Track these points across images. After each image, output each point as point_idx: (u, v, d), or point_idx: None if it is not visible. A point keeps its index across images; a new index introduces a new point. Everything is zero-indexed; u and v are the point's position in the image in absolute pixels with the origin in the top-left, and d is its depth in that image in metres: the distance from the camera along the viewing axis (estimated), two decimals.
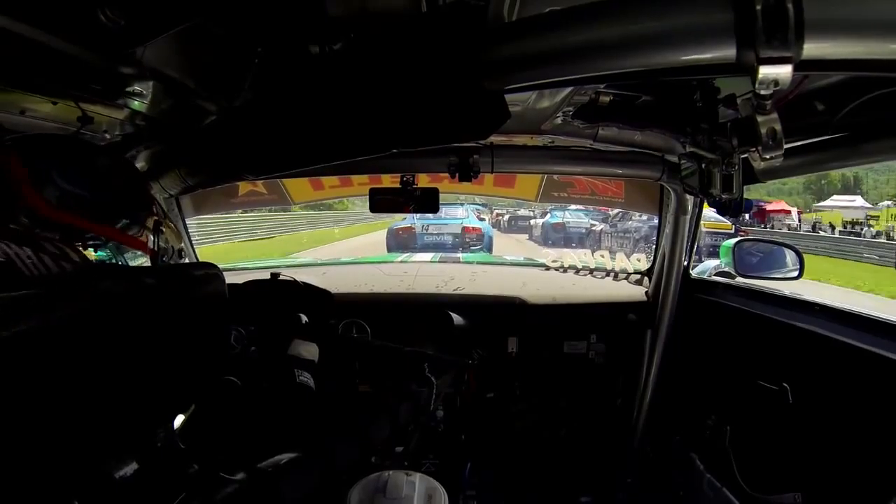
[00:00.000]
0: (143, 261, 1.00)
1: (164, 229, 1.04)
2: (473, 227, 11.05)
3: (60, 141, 1.01)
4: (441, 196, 1.94)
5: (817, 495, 1.41)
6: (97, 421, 0.71)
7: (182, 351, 0.86)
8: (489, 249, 10.68)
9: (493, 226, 19.98)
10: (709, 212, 2.38)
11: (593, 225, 14.94)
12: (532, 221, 17.67)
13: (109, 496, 0.74)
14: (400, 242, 10.61)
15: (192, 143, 1.42)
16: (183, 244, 1.18)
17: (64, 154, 0.92)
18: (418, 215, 9.95)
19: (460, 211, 11.48)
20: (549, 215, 15.83)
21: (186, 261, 2.11)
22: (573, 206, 13.67)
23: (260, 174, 1.76)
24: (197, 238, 2.49)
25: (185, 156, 1.50)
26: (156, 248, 1.02)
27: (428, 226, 10.79)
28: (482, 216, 13.66)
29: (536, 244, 15.29)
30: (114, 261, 0.92)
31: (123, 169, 1.09)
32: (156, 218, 1.03)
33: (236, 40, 1.06)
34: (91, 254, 0.90)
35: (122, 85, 1.06)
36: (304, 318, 1.84)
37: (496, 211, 21.76)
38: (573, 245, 13.15)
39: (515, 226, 20.15)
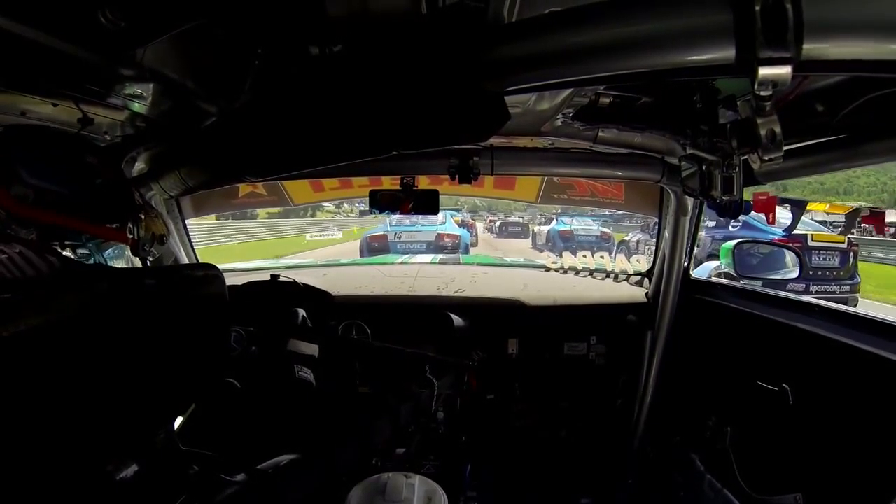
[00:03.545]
0: (125, 259, 1.00)
1: (142, 216, 1.04)
2: (450, 234, 10.82)
3: (30, 135, 1.00)
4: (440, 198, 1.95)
5: (818, 496, 1.40)
6: (98, 422, 0.71)
7: (183, 352, 0.86)
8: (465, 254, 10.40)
9: (487, 230, 20.10)
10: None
11: (604, 233, 13.79)
12: (537, 228, 16.57)
13: (110, 497, 0.74)
14: (373, 251, 10.35)
15: (192, 144, 1.42)
16: (166, 232, 1.17)
17: (32, 148, 0.91)
18: (394, 221, 10.51)
19: (438, 217, 11.06)
20: (554, 221, 14.84)
21: (182, 254, 2.10)
22: (577, 210, 12.91)
23: (260, 176, 1.76)
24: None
25: (185, 157, 1.50)
26: (136, 238, 1.02)
27: (400, 233, 10.58)
28: (466, 222, 13.20)
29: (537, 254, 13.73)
30: (93, 260, 0.92)
31: (101, 163, 1.08)
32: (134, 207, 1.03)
33: (236, 42, 1.06)
34: (69, 254, 0.89)
35: (123, 86, 1.06)
36: (302, 313, 1.84)
37: (489, 217, 21.68)
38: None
39: (506, 231, 19.68)
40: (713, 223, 7.28)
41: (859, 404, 1.29)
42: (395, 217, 10.20)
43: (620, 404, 2.33)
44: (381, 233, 10.69)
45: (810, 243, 6.46)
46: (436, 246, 10.48)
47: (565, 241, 13.27)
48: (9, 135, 0.93)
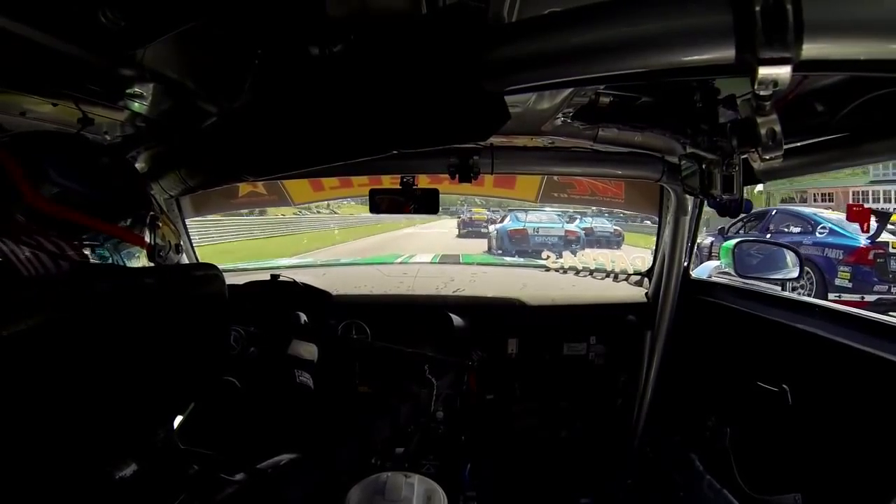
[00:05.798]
0: (142, 261, 1.00)
1: (160, 224, 1.04)
2: (572, 231, 13.41)
3: (56, 137, 1.01)
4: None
5: (817, 496, 1.41)
6: (96, 421, 0.71)
7: (182, 351, 0.86)
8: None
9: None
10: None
11: (616, 230, 15.40)
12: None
13: (109, 497, 0.74)
14: (514, 243, 12.65)
15: (192, 144, 1.42)
16: (180, 240, 1.18)
17: (60, 150, 0.91)
18: (523, 217, 12.79)
19: (545, 216, 13.47)
20: (578, 219, 16.30)
21: (184, 256, 2.11)
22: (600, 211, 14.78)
23: (260, 176, 1.76)
24: None
25: (185, 157, 1.50)
26: (153, 244, 1.02)
27: (538, 229, 12.99)
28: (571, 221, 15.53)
29: None
30: (110, 260, 0.91)
31: (121, 165, 1.08)
32: (152, 213, 1.03)
33: (236, 42, 1.06)
34: (88, 254, 0.89)
35: (123, 86, 1.06)
36: (304, 317, 1.84)
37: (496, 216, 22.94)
38: None
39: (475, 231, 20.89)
40: (798, 229, 7.79)
41: (859, 405, 1.29)
42: (524, 215, 12.91)
43: (620, 404, 2.33)
44: (522, 227, 12.94)
45: (891, 250, 7.16)
46: (565, 240, 12.98)
47: (588, 236, 15.67)
48: (35, 138, 0.94)
